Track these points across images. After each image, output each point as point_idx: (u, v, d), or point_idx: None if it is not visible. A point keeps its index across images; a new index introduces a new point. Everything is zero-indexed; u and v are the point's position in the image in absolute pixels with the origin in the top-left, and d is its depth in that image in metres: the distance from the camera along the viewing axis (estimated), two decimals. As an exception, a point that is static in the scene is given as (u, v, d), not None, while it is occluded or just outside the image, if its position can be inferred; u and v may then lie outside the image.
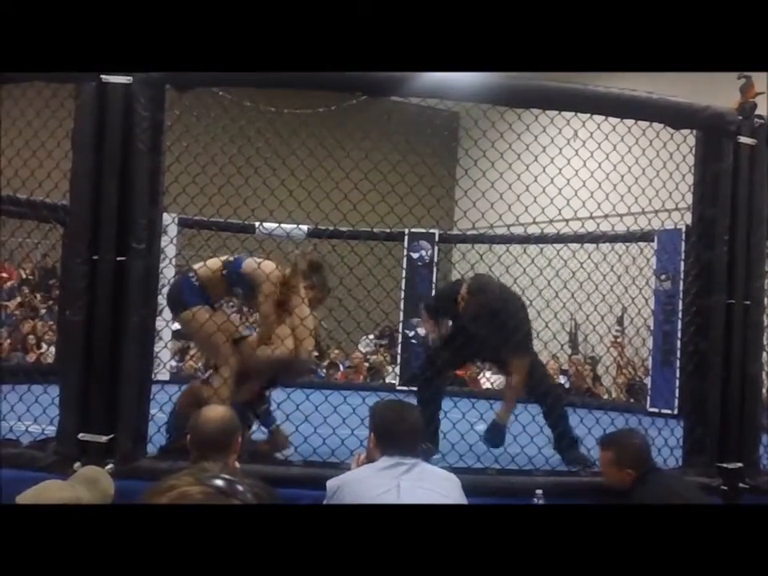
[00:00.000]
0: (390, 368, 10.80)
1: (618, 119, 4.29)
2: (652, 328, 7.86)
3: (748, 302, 4.23)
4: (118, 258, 3.76)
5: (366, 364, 11.04)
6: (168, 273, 4.70)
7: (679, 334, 4.64)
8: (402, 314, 9.34)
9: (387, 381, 10.10)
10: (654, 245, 7.90)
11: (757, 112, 4.28)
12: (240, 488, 1.21)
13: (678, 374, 5.19)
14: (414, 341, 9.39)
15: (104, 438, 3.72)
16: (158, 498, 1.21)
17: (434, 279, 9.27)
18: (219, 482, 1.21)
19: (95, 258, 3.76)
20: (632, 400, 9.24)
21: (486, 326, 4.96)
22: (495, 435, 4.95)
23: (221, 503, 1.18)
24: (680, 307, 4.68)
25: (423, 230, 8.88)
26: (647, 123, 4.36)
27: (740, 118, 4.23)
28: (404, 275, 9.26)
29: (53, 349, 9.62)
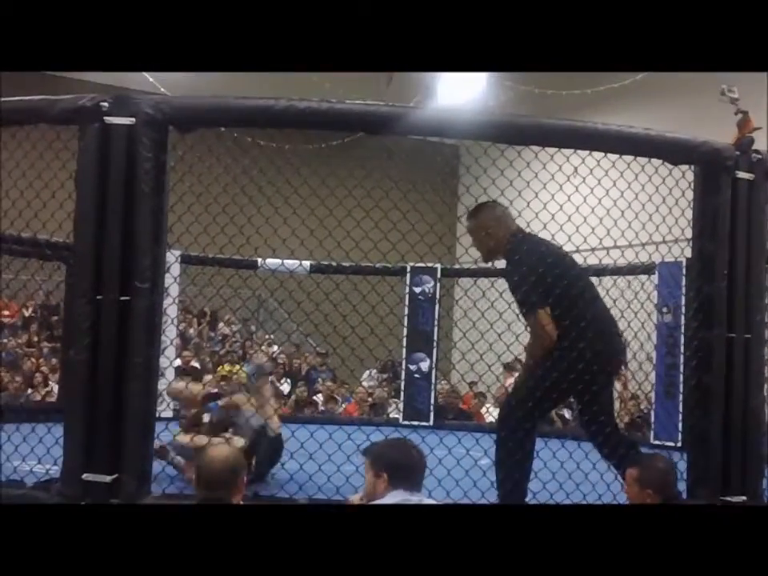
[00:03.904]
0: (392, 402, 10.76)
1: (617, 155, 4.33)
2: (654, 361, 7.86)
3: (749, 336, 4.24)
4: (122, 298, 3.78)
5: (370, 399, 11.00)
6: (171, 312, 4.71)
7: (681, 367, 4.63)
8: (404, 349, 9.38)
9: (391, 416, 10.06)
10: (655, 278, 7.92)
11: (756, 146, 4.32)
12: None
13: (680, 407, 5.19)
14: (416, 375, 9.39)
15: (108, 478, 3.72)
16: None
17: (437, 314, 9.28)
18: None
19: (99, 297, 3.78)
20: (637, 433, 9.21)
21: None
22: None
23: None
24: (681, 340, 4.66)
25: (425, 265, 8.91)
26: (646, 159, 4.39)
27: (737, 153, 4.27)
28: (406, 310, 9.29)
29: (56, 387, 9.63)
